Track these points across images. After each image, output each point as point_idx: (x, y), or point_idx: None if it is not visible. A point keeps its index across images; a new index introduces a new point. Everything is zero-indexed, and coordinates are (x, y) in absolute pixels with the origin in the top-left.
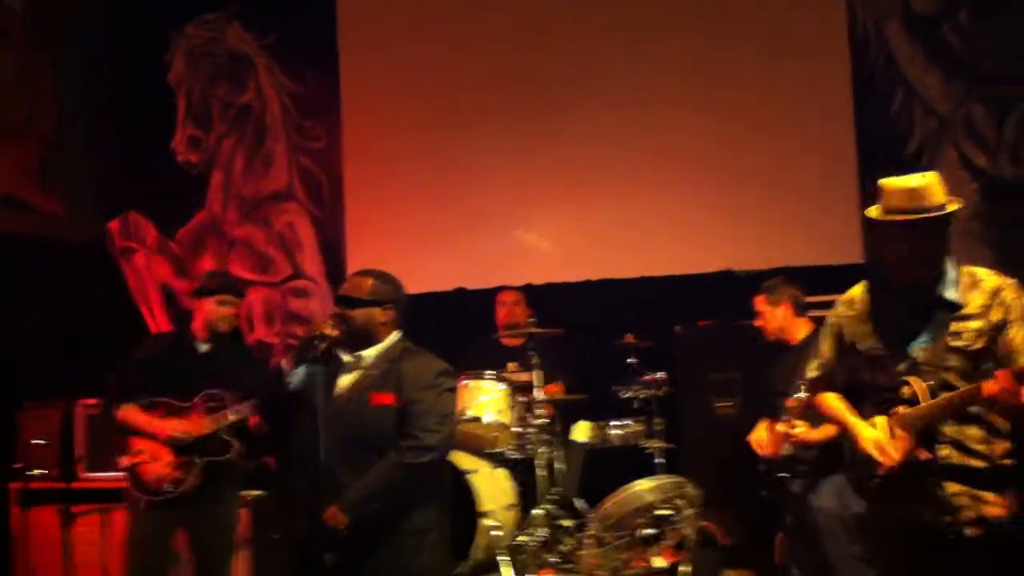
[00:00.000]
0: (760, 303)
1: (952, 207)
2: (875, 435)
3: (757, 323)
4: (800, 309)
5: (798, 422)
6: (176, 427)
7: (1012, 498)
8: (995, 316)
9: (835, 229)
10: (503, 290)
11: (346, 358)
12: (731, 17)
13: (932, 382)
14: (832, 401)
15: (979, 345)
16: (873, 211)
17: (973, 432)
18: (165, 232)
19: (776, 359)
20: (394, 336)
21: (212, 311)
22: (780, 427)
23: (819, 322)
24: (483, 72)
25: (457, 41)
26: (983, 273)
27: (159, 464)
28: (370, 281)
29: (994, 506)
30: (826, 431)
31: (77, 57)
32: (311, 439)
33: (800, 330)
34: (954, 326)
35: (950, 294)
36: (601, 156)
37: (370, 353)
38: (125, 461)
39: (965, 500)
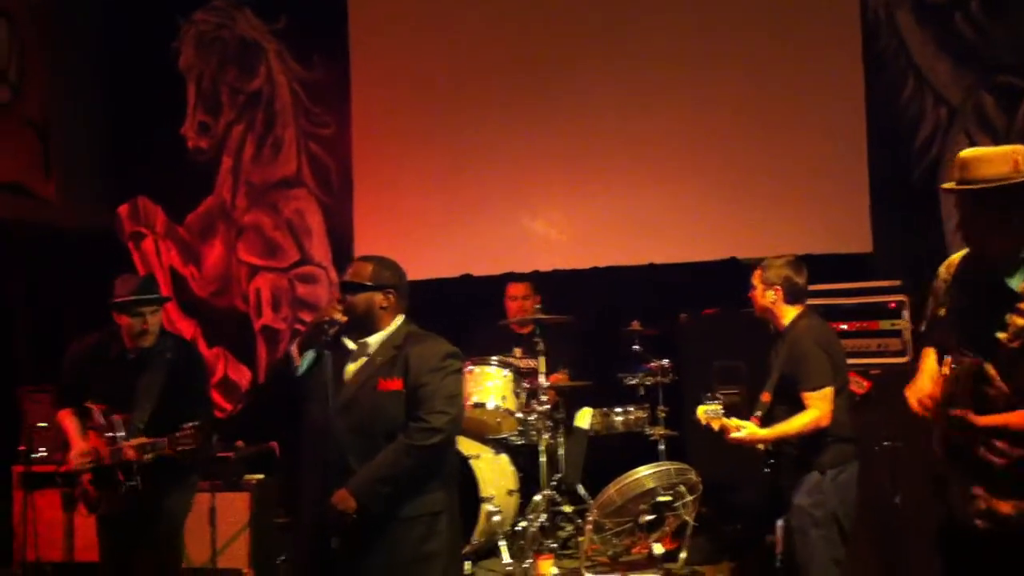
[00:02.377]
0: (755, 277)
1: (1001, 183)
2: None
3: (750, 294)
4: (791, 296)
5: (740, 422)
6: (79, 452)
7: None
8: None
9: (844, 217)
10: (511, 283)
11: (351, 345)
12: (742, 4)
13: (956, 365)
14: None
15: (1015, 344)
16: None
17: None
18: (174, 218)
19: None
20: (398, 321)
21: (131, 326)
22: (721, 423)
23: (818, 310)
24: (492, 59)
25: (466, 29)
26: None
27: (84, 480)
28: (370, 266)
29: (1006, 505)
30: (787, 427)
31: (83, 42)
32: (320, 425)
33: (787, 316)
34: (1008, 317)
35: (1013, 282)
36: (609, 144)
37: (375, 340)
38: (64, 467)
39: (980, 492)
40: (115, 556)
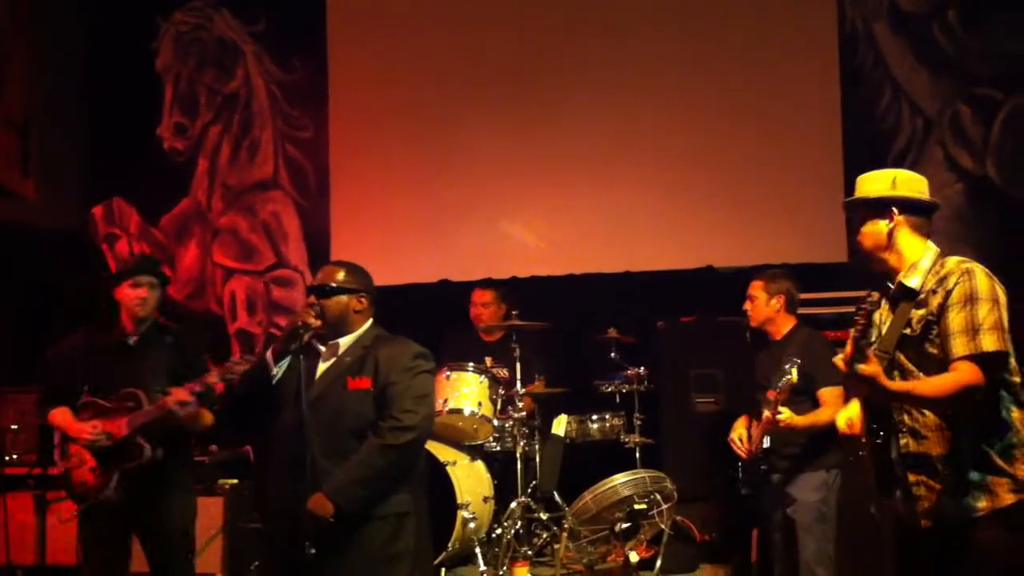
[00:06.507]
0: (755, 288)
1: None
2: (850, 411)
3: (745, 306)
4: (791, 306)
5: (783, 408)
6: (92, 430)
7: (966, 485)
8: (935, 302)
9: (820, 227)
10: (476, 289)
11: (322, 348)
12: (720, 14)
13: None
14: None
15: (917, 332)
16: None
17: (928, 419)
18: (149, 219)
19: (760, 352)
20: (367, 324)
21: (127, 296)
22: (765, 414)
23: (804, 319)
24: (470, 64)
25: (445, 33)
26: (951, 261)
27: (84, 469)
28: (343, 271)
29: (946, 494)
30: (815, 417)
31: (62, 41)
32: (291, 426)
33: (785, 325)
34: (912, 312)
35: (910, 281)
36: (587, 151)
37: (345, 341)
38: (60, 466)
39: (923, 490)
40: (107, 549)
